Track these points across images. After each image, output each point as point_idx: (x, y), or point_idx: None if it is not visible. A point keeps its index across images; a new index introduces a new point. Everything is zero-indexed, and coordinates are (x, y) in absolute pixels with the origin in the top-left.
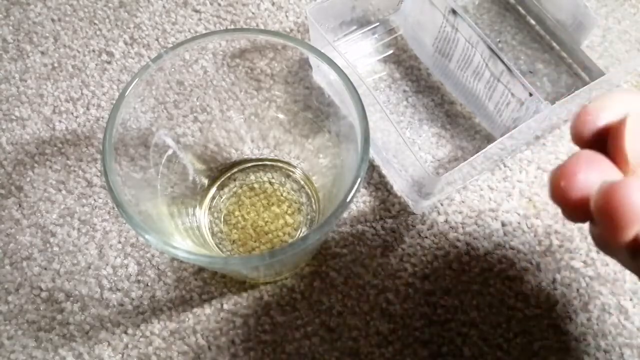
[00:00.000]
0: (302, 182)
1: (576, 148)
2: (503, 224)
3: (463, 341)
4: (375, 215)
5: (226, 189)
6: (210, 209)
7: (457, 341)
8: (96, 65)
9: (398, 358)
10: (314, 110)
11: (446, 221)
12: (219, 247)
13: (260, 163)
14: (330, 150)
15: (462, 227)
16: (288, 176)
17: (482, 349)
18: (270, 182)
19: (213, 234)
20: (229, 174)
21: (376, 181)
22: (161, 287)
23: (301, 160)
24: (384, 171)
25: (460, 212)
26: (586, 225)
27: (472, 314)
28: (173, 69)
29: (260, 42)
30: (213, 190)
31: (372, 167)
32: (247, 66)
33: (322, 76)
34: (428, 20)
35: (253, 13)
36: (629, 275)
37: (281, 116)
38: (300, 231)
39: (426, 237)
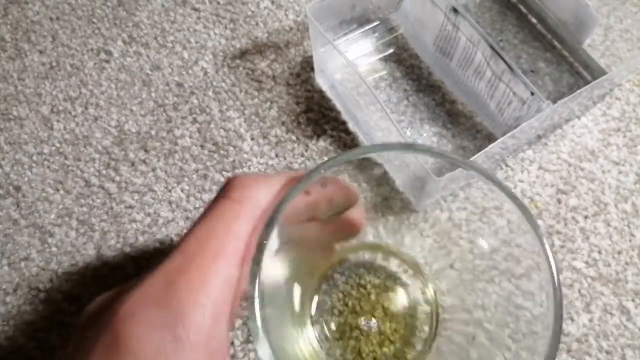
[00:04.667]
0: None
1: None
2: (509, 222)
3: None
4: (377, 213)
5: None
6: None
7: (462, 341)
8: (94, 64)
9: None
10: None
11: (450, 218)
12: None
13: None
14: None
15: (467, 224)
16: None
17: (489, 350)
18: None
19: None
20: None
21: (378, 177)
22: None
23: None
24: (386, 167)
25: (465, 209)
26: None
27: (475, 314)
28: None
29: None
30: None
31: (374, 164)
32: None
33: (325, 79)
34: (429, 18)
35: (252, 11)
36: (631, 275)
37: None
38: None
39: (428, 237)
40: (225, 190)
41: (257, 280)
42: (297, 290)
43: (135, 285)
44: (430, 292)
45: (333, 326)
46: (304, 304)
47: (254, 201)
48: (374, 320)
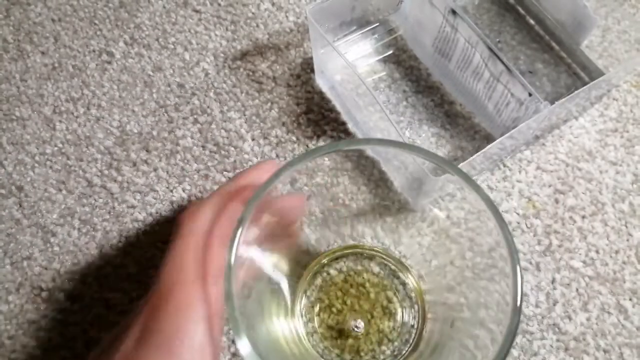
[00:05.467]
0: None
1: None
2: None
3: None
4: (375, 213)
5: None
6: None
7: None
8: (96, 65)
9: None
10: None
11: (448, 217)
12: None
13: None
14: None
15: (465, 223)
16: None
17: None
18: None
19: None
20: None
21: (376, 178)
22: None
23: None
24: (384, 168)
25: (462, 209)
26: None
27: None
28: None
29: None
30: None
31: (372, 164)
32: (248, 68)
33: (325, 80)
34: (428, 20)
35: (253, 13)
36: (628, 274)
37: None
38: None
39: (426, 235)
40: (176, 228)
41: (231, 276)
42: (283, 286)
43: (130, 321)
44: (419, 289)
45: (331, 324)
46: (294, 301)
47: (200, 226)
48: (360, 321)
